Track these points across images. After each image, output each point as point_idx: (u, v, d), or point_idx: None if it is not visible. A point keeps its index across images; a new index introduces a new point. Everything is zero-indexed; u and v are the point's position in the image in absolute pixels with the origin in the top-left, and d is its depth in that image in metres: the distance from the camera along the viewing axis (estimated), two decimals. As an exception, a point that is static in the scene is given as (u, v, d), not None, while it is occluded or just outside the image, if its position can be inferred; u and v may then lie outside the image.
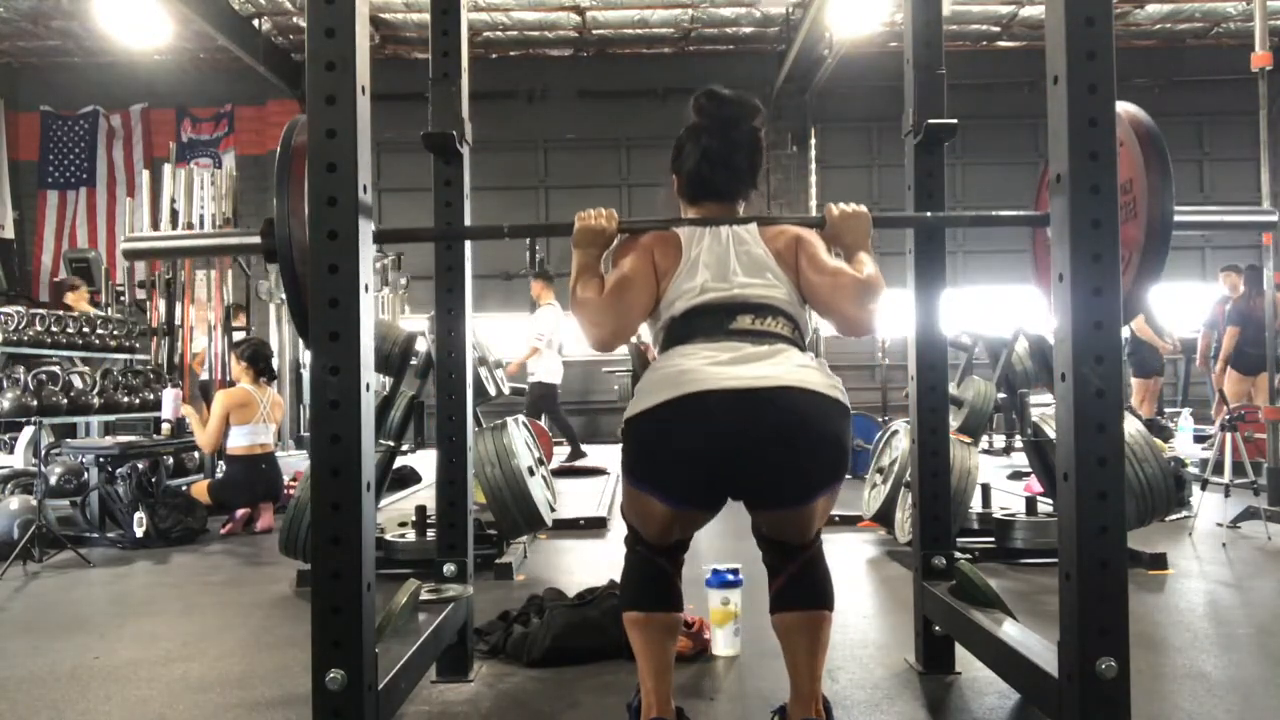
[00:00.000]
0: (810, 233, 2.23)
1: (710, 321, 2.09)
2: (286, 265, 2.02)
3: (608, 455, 9.71)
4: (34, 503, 4.73)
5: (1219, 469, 5.81)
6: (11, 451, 6.73)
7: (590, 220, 2.22)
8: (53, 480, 5.54)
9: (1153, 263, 2.12)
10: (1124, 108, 2.08)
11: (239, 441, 5.75)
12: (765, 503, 2.09)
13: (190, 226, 7.82)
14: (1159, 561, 4.15)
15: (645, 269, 2.17)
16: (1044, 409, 4.79)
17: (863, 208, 2.23)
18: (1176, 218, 2.12)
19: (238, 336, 7.45)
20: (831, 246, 2.22)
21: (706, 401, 1.95)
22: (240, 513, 5.62)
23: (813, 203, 13.90)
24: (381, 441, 4.30)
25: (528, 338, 8.79)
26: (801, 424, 1.97)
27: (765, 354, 2.03)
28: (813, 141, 13.93)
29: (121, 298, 9.34)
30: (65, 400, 6.30)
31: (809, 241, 2.20)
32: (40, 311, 7.41)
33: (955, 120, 2.76)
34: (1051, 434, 4.22)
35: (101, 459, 5.33)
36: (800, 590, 2.15)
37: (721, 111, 2.23)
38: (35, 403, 6.00)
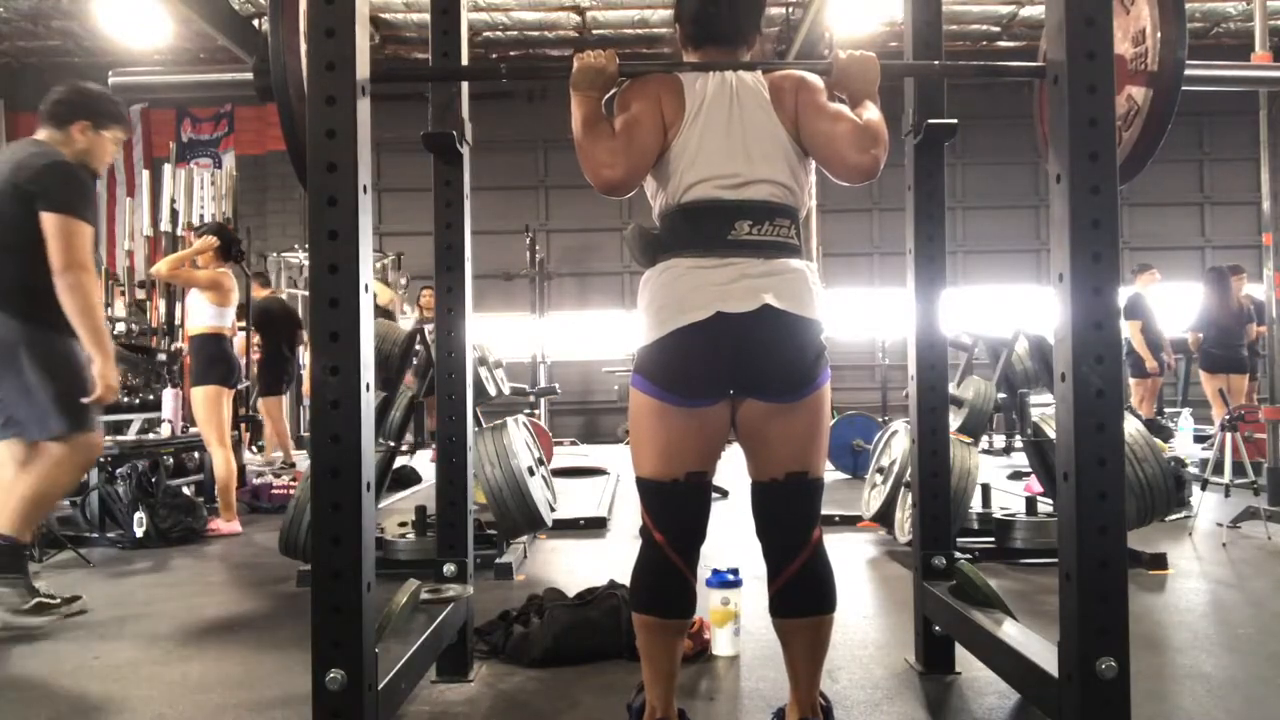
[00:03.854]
0: (814, 77, 2.19)
1: (709, 228, 2.09)
2: (283, 102, 1.94)
3: (608, 455, 9.72)
4: (34, 503, 4.72)
5: (1219, 469, 5.82)
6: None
7: (589, 59, 2.15)
8: (53, 480, 5.54)
9: (1159, 122, 2.07)
10: None
11: (213, 321, 5.71)
12: (759, 392, 2.11)
13: (190, 226, 7.83)
14: (1159, 561, 4.15)
15: (654, 113, 2.13)
16: (1044, 409, 4.79)
17: (870, 54, 2.19)
18: (1187, 72, 2.08)
19: (239, 336, 7.43)
20: (836, 93, 2.20)
21: (714, 324, 2.02)
22: (228, 527, 5.56)
23: (812, 202, 13.88)
24: (381, 441, 4.30)
25: None
26: (778, 337, 2.05)
27: (759, 273, 2.06)
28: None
29: (122, 296, 9.34)
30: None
31: (811, 86, 2.16)
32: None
33: (955, 120, 2.76)
34: (1051, 434, 4.22)
35: (101, 459, 5.32)
36: (801, 594, 2.14)
37: None
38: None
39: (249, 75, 2.05)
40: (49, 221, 3.47)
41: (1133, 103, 2.05)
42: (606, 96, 2.18)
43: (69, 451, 3.57)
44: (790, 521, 2.15)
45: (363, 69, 1.90)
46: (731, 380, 2.09)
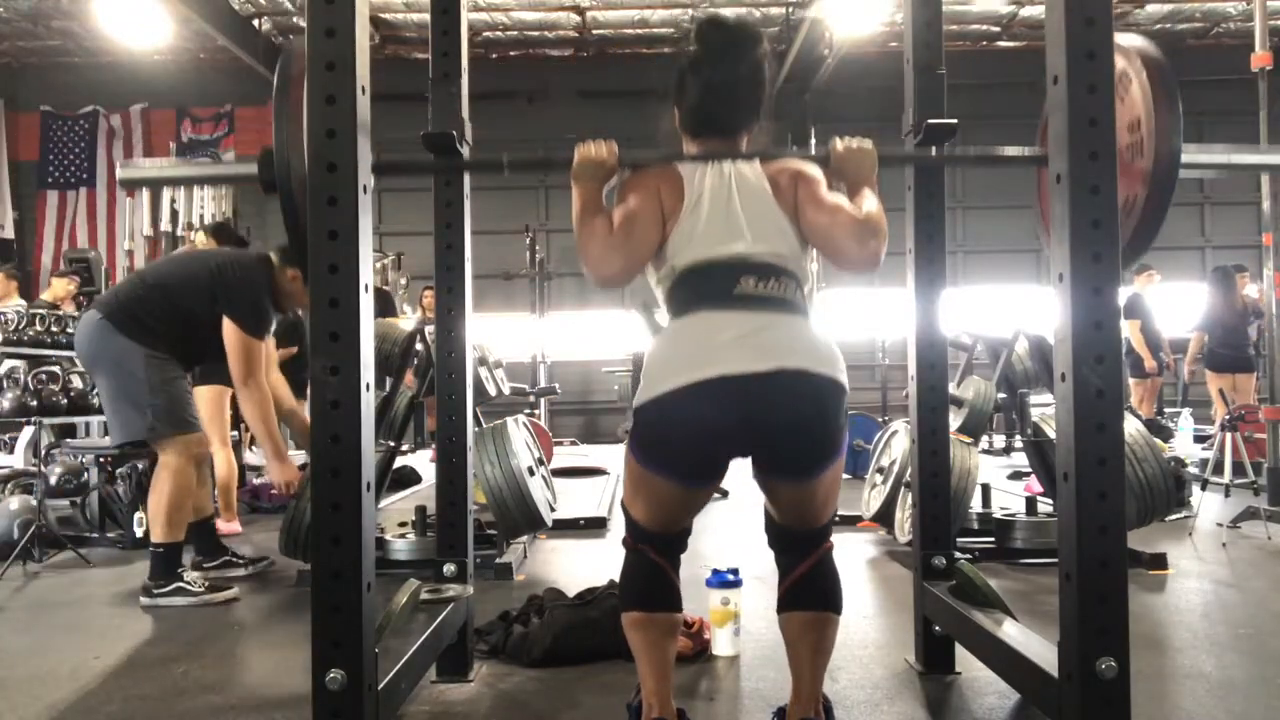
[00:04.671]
0: (813, 168, 2.19)
1: (714, 285, 2.06)
2: (286, 197, 1.97)
3: (608, 455, 9.72)
4: (34, 503, 4.73)
5: (1219, 469, 5.82)
6: (11, 451, 6.74)
7: (590, 151, 2.15)
8: (53, 480, 5.54)
9: (1157, 208, 2.07)
10: (1131, 41, 2.03)
11: None
12: (772, 470, 2.11)
13: (190, 226, 7.84)
14: (1159, 561, 4.15)
15: (652, 207, 2.12)
16: (1044, 409, 4.79)
17: (868, 143, 2.18)
18: (1184, 158, 2.08)
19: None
20: (835, 182, 2.19)
21: (715, 388, 1.96)
22: (228, 527, 5.57)
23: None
24: (381, 441, 4.30)
25: None
26: (797, 409, 1.99)
27: (768, 326, 2.01)
28: (813, 141, 13.91)
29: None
30: (65, 400, 6.29)
31: (810, 177, 2.16)
32: (40, 311, 7.41)
33: (955, 120, 2.76)
34: (1051, 434, 4.22)
35: (101, 459, 5.32)
36: (809, 591, 2.16)
37: (724, 40, 2.17)
38: (35, 403, 5.99)
39: (253, 169, 2.10)
40: (232, 333, 3.97)
41: (1130, 191, 2.06)
42: (607, 188, 2.18)
43: (165, 454, 3.93)
44: (803, 548, 2.18)
45: (363, 69, 1.90)
46: (736, 454, 2.06)
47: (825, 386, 2.02)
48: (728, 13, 2.19)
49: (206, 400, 5.62)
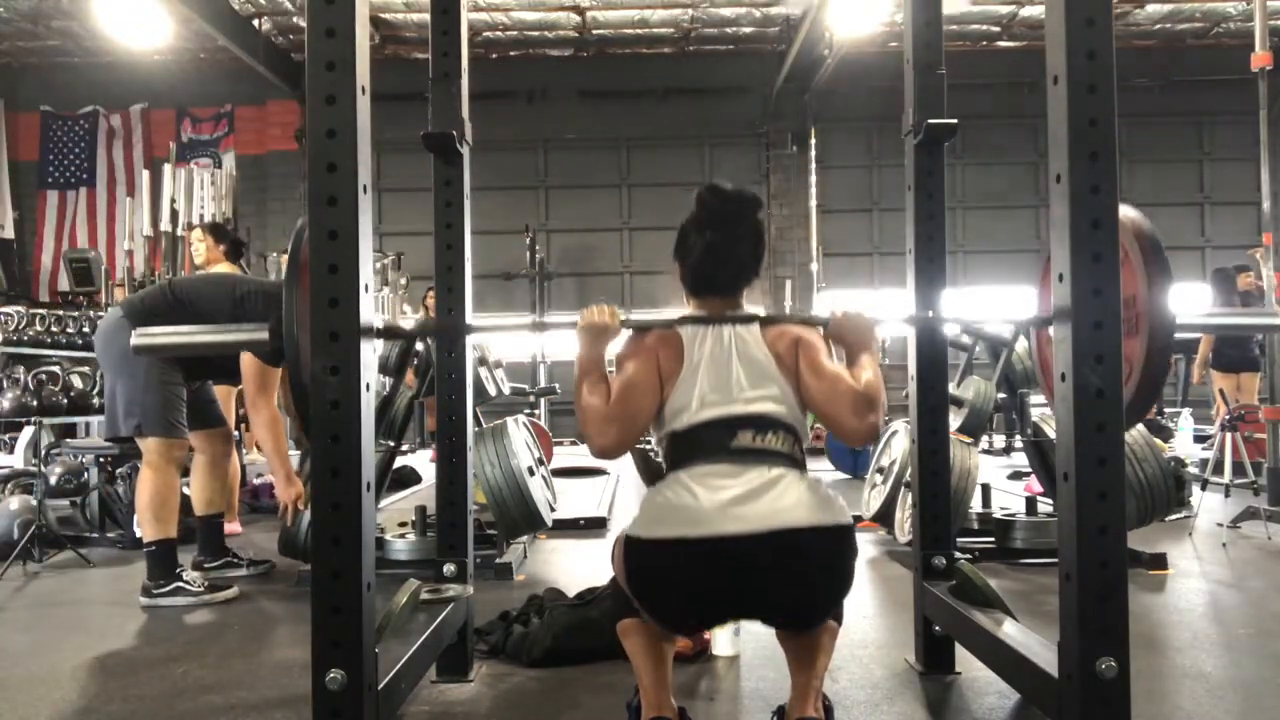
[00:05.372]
0: (812, 333, 2.22)
1: (712, 438, 2.09)
2: (292, 366, 2.01)
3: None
4: (34, 503, 4.73)
5: (1219, 469, 5.81)
6: (11, 451, 6.74)
7: (594, 318, 2.20)
8: (53, 480, 5.54)
9: (1155, 374, 2.09)
10: (1126, 214, 2.04)
11: None
12: (771, 625, 2.16)
13: (190, 226, 7.83)
14: (1159, 561, 4.15)
15: (650, 374, 2.16)
16: (1044, 409, 4.78)
17: (868, 311, 2.22)
18: (1179, 320, 2.09)
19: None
20: (834, 346, 2.23)
21: (711, 547, 1.97)
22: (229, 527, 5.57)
23: (812, 203, 13.92)
24: (381, 441, 4.30)
25: None
26: (806, 566, 2.01)
27: (767, 485, 2.02)
28: (813, 141, 13.94)
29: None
30: (65, 400, 6.30)
31: (810, 344, 2.19)
32: (40, 311, 7.41)
33: (955, 120, 2.76)
34: (1051, 434, 4.22)
35: (101, 459, 5.32)
36: None
37: (725, 207, 2.24)
38: (35, 403, 6.00)
39: (264, 335, 2.15)
40: (248, 359, 4.01)
41: (1129, 358, 2.07)
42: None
43: (146, 454, 3.96)
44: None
45: (363, 69, 1.90)
46: (731, 615, 2.14)
47: (832, 533, 2.03)
48: (727, 184, 2.27)
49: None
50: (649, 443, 2.28)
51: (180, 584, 3.82)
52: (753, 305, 2.34)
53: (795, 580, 2.01)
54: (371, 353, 1.94)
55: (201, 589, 3.83)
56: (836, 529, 2.03)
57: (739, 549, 1.96)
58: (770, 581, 2.00)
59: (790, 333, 2.21)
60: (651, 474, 2.23)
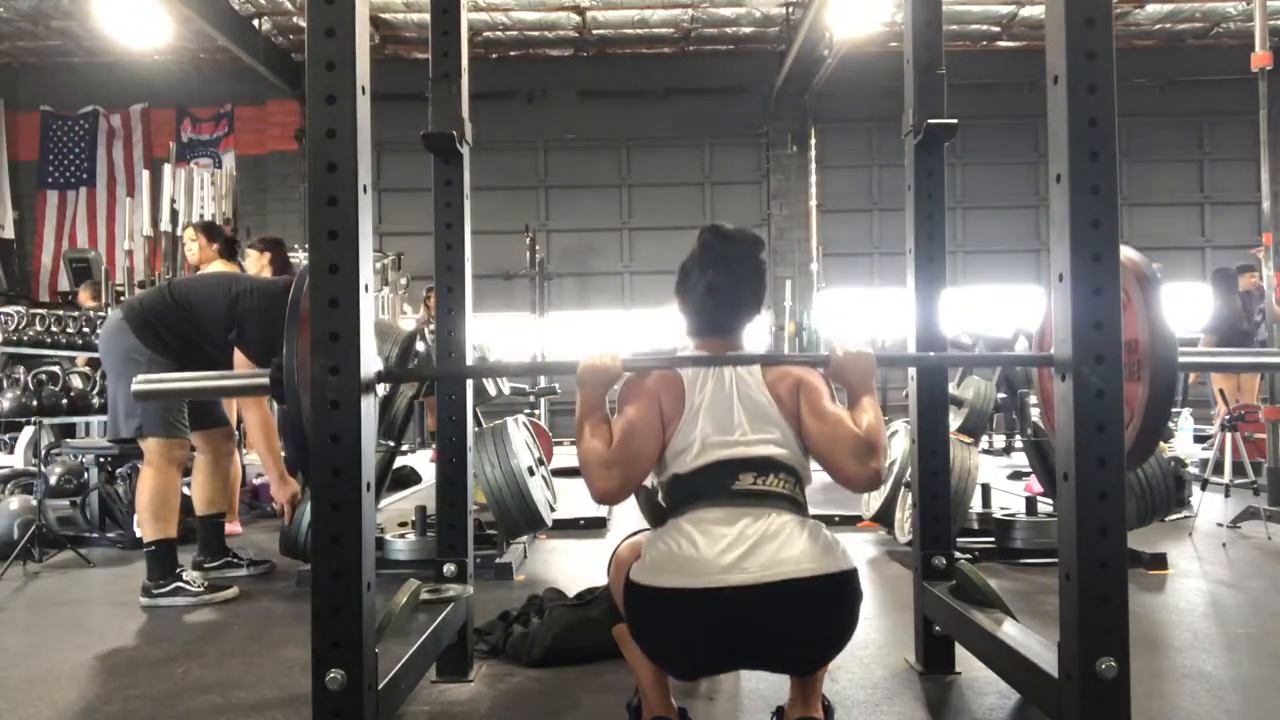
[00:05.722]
0: (813, 375, 2.22)
1: (713, 481, 2.09)
2: (293, 409, 2.00)
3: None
4: (34, 503, 4.73)
5: (1219, 469, 5.81)
6: (11, 451, 6.74)
7: (595, 361, 2.18)
8: (53, 480, 5.54)
9: (1157, 419, 2.09)
10: (1127, 255, 2.04)
11: None
12: (774, 670, 2.19)
13: (189, 225, 7.84)
14: (1159, 561, 4.15)
15: (652, 417, 2.16)
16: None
17: (867, 349, 2.21)
18: (1181, 360, 2.09)
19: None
20: (834, 385, 2.24)
21: (713, 599, 1.97)
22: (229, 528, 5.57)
23: (812, 203, 13.91)
24: (381, 441, 4.30)
25: None
26: (809, 616, 2.01)
27: (770, 534, 2.01)
28: (813, 141, 13.94)
29: (122, 298, 9.35)
30: (65, 400, 6.29)
31: (811, 386, 2.19)
32: (40, 311, 7.41)
33: (955, 120, 2.76)
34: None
35: (101, 459, 5.32)
36: None
37: (726, 249, 2.25)
38: (35, 403, 5.99)
39: (264, 380, 2.14)
40: (241, 360, 4.00)
41: (1132, 398, 2.07)
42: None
43: (147, 454, 3.98)
44: None
45: (363, 69, 1.90)
46: (732, 663, 2.16)
47: (836, 580, 2.03)
48: (729, 225, 2.30)
49: None
50: (655, 489, 2.28)
51: (180, 584, 3.82)
52: (753, 345, 2.35)
53: (797, 630, 2.01)
54: (371, 353, 1.94)
55: (201, 589, 3.83)
56: (839, 576, 2.03)
57: (740, 601, 1.96)
58: (771, 632, 1.99)
59: (791, 374, 2.21)
60: (654, 513, 2.23)
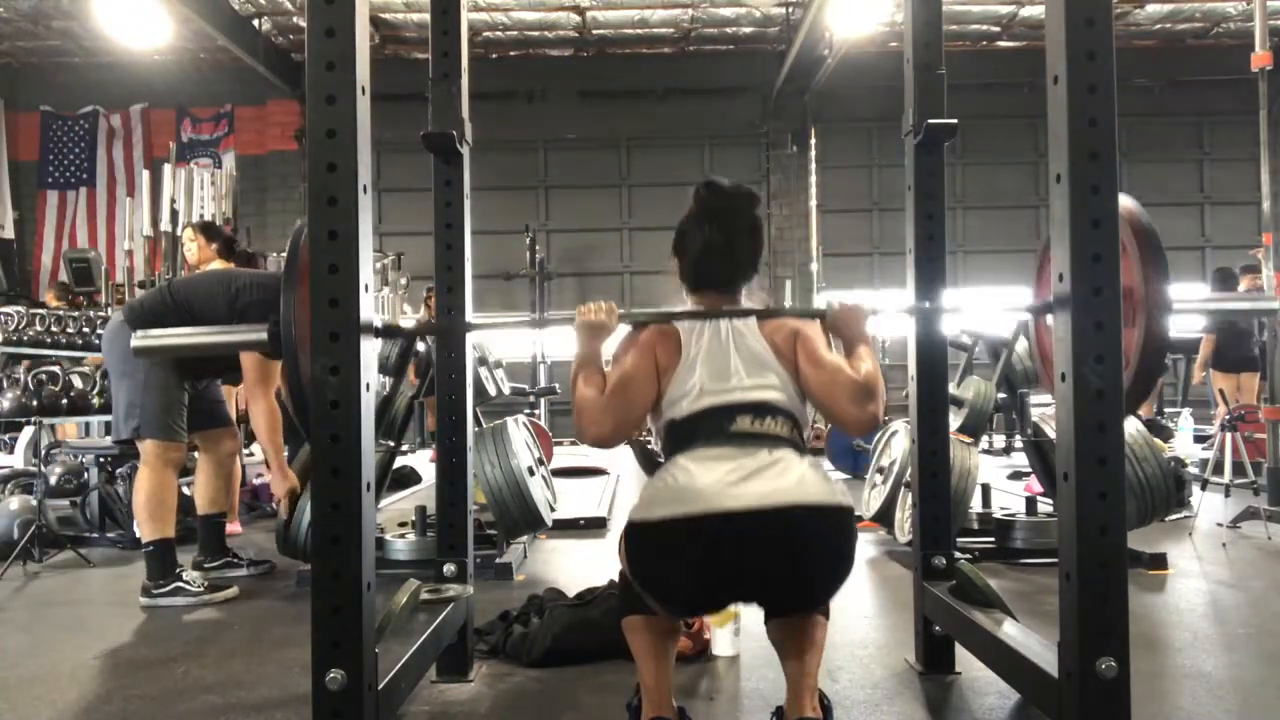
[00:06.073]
0: (810, 325, 2.23)
1: (711, 424, 2.09)
2: (291, 364, 2.01)
3: (608, 455, 9.72)
4: (34, 503, 4.73)
5: (1219, 469, 5.81)
6: (11, 451, 6.73)
7: (590, 315, 2.21)
8: (53, 480, 5.54)
9: (1153, 363, 2.10)
10: (1123, 204, 2.04)
11: None
12: (770, 610, 2.15)
13: (189, 225, 7.84)
14: (1159, 561, 4.15)
15: (647, 367, 2.17)
16: (1044, 409, 4.78)
17: (862, 302, 2.23)
18: (1176, 307, 2.10)
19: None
20: (831, 338, 2.24)
21: (709, 526, 1.96)
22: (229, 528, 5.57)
23: (812, 203, 13.91)
24: (381, 441, 4.30)
25: None
26: (805, 546, 2.00)
27: (767, 465, 2.02)
28: (813, 141, 13.94)
29: (122, 301, 9.35)
30: (65, 400, 6.29)
31: (808, 336, 2.20)
32: (40, 311, 7.41)
33: (955, 120, 2.76)
34: (1051, 434, 4.22)
35: (101, 459, 5.32)
36: None
37: (721, 203, 2.24)
38: (35, 403, 5.99)
39: (263, 335, 2.15)
40: (246, 353, 3.98)
41: (1126, 351, 2.08)
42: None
43: (144, 455, 3.99)
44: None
45: (363, 69, 1.90)
46: (734, 596, 2.10)
47: (832, 512, 2.03)
48: (724, 181, 2.30)
49: None
50: (649, 439, 2.28)
51: (180, 584, 3.82)
52: (752, 302, 2.34)
53: (795, 556, 1.99)
54: (371, 353, 1.94)
55: (201, 589, 3.83)
56: (836, 508, 2.03)
57: (738, 525, 1.95)
58: (770, 557, 1.98)
59: (788, 325, 2.22)
60: (650, 465, 2.23)
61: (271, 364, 4.04)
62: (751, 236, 2.26)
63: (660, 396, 2.17)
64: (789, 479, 2.01)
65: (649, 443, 2.27)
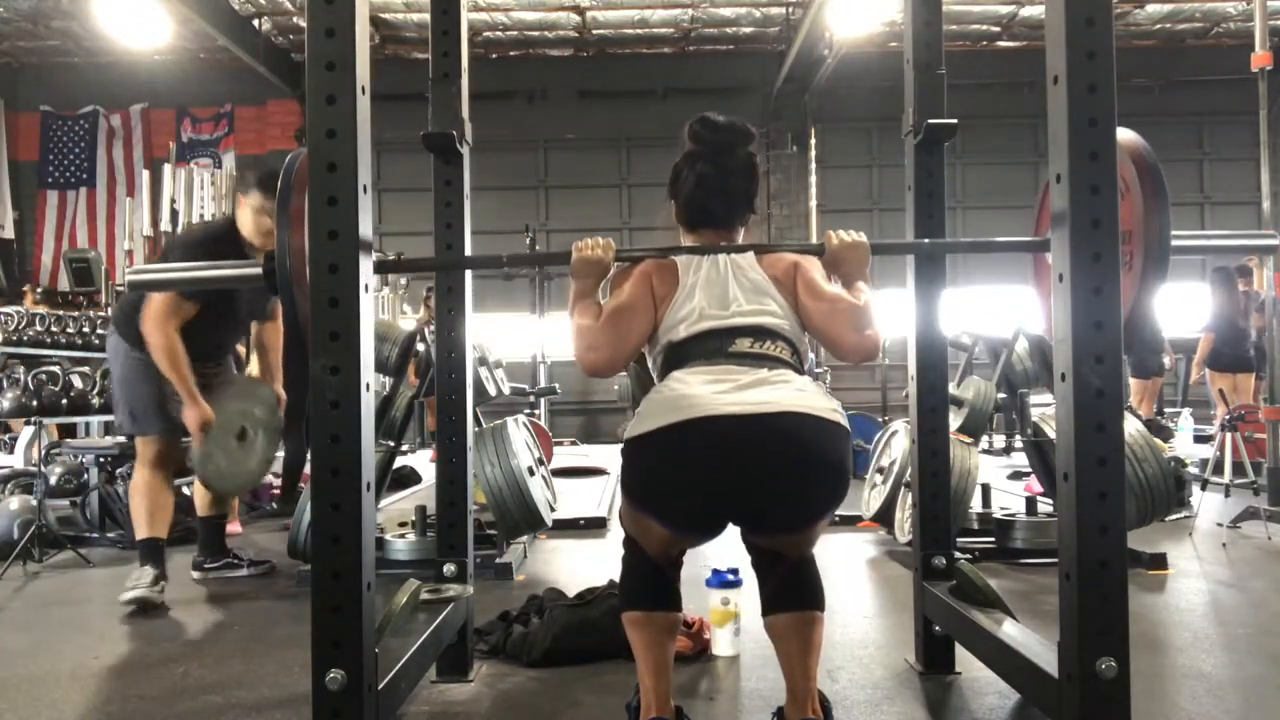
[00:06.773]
0: (809, 259, 2.23)
1: (710, 345, 2.09)
2: (287, 298, 2.01)
3: (608, 455, 9.72)
4: (34, 503, 4.73)
5: (1219, 469, 5.81)
6: (11, 451, 6.74)
7: (587, 250, 2.20)
8: (53, 480, 5.54)
9: (1152, 280, 2.08)
10: (1126, 140, 2.01)
11: None
12: (765, 528, 2.12)
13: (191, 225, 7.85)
14: (1159, 561, 4.15)
15: (643, 295, 2.16)
16: (1044, 409, 4.79)
17: (862, 236, 2.22)
18: (1174, 243, 2.07)
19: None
20: (830, 274, 2.23)
21: (706, 428, 1.95)
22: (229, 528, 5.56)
23: (812, 203, 13.91)
24: (381, 441, 4.30)
25: None
26: (802, 451, 1.98)
27: (765, 378, 2.02)
28: (813, 141, 13.95)
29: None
30: (65, 400, 6.30)
31: (807, 267, 2.20)
32: (40, 311, 7.41)
33: (955, 120, 2.76)
34: (1051, 434, 4.22)
35: (101, 459, 5.32)
36: (791, 592, 2.15)
37: (716, 137, 2.23)
38: (35, 403, 6.00)
39: (258, 270, 2.14)
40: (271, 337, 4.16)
41: (1125, 295, 2.07)
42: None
43: (139, 452, 4.00)
44: (789, 552, 2.18)
45: (363, 69, 1.90)
46: (731, 505, 2.03)
47: (829, 424, 2.02)
48: (718, 117, 2.28)
49: None
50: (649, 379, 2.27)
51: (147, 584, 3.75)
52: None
53: (794, 461, 1.97)
54: (371, 353, 1.93)
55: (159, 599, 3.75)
56: (833, 422, 2.02)
57: (737, 428, 1.94)
58: (766, 463, 1.96)
59: (787, 258, 2.21)
60: (644, 385, 2.23)
61: (180, 304, 3.79)
62: (747, 173, 2.24)
63: (657, 326, 2.16)
64: (789, 390, 2.00)
65: (644, 368, 2.26)
